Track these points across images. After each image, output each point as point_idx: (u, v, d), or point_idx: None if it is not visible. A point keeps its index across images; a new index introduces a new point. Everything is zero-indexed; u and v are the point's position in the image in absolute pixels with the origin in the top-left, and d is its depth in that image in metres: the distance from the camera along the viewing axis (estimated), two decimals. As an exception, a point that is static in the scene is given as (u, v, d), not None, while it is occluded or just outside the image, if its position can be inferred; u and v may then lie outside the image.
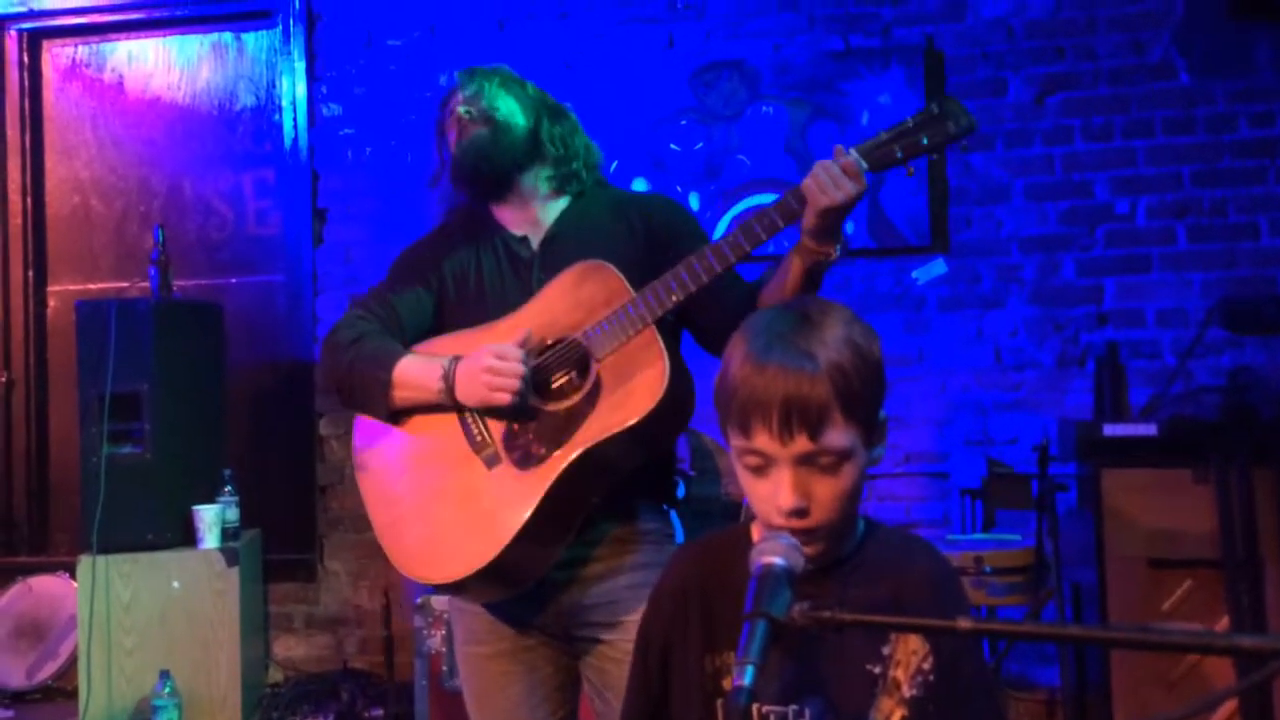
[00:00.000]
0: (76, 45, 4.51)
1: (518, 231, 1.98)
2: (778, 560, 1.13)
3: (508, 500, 1.78)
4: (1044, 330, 3.79)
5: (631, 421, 1.72)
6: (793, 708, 1.26)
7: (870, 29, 3.91)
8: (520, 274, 1.94)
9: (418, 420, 1.90)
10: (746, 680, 1.03)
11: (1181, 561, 2.69)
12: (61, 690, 3.95)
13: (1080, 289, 3.78)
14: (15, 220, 4.45)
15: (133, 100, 4.45)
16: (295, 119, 4.29)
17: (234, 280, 4.34)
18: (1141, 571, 2.71)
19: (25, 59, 4.48)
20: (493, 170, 1.94)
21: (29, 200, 4.45)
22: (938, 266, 3.84)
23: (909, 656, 1.25)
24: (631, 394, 1.74)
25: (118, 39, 4.48)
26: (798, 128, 3.93)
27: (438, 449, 1.87)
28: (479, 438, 1.84)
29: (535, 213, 1.99)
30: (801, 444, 1.19)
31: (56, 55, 4.53)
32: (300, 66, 4.28)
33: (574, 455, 1.75)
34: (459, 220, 2.06)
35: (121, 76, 4.47)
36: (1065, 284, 3.79)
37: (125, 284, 4.21)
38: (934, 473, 3.81)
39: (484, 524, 1.78)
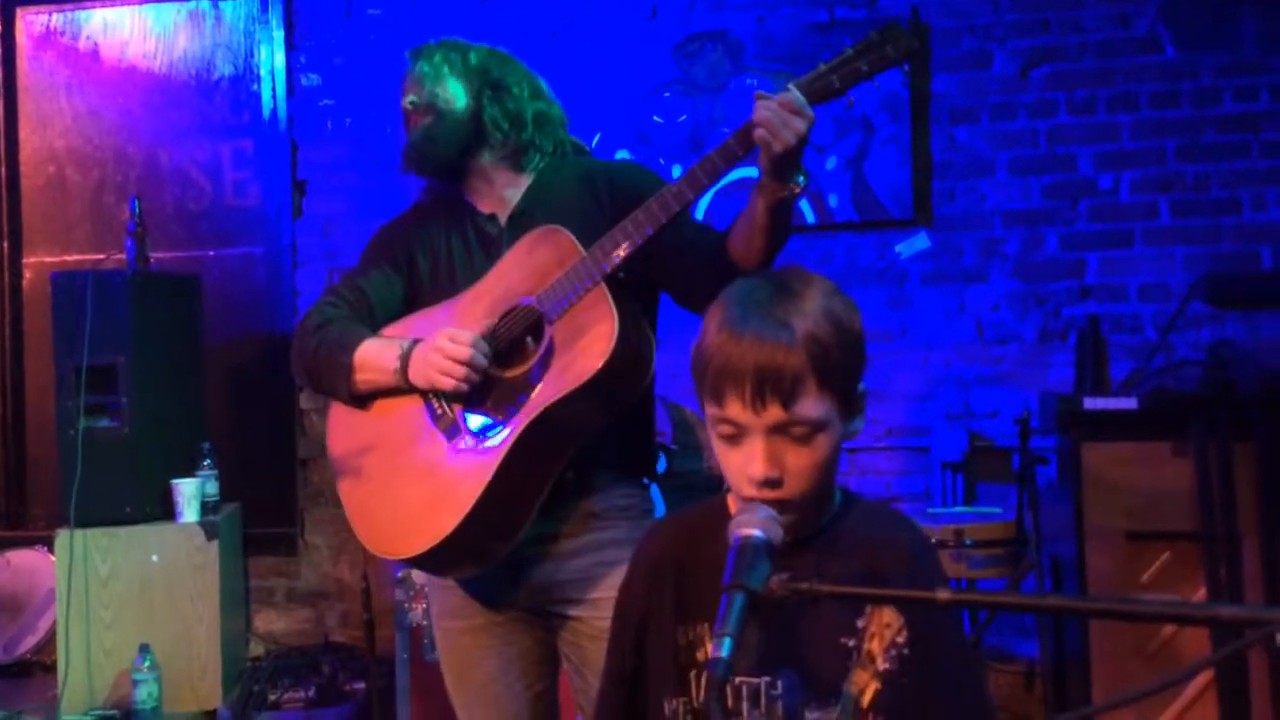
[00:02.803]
0: (50, 13, 4.43)
1: (486, 210, 1.97)
2: (756, 532, 1.13)
3: (466, 471, 1.78)
4: (1026, 304, 3.79)
5: (582, 381, 1.70)
6: (766, 679, 1.25)
7: (855, 0, 3.89)
8: (490, 252, 1.93)
9: (384, 401, 1.90)
10: (724, 652, 1.03)
11: (1160, 534, 2.70)
12: (40, 664, 3.92)
13: (1063, 263, 3.78)
14: (-11, 191, 4.39)
15: (108, 69, 4.38)
16: (274, 89, 4.24)
17: (212, 252, 4.29)
18: (1120, 544, 2.72)
19: (-2, 27, 4.41)
20: (440, 158, 1.94)
21: (3, 171, 4.38)
22: (920, 240, 3.84)
23: (883, 629, 1.25)
24: (582, 353, 1.73)
25: (92, 7, 4.40)
26: (781, 100, 3.90)
27: (402, 427, 1.87)
28: (440, 411, 1.84)
29: (501, 190, 1.97)
30: (774, 413, 1.18)
31: (30, 23, 4.45)
32: (279, 36, 4.23)
33: (529, 420, 1.74)
34: (431, 200, 2.05)
35: (97, 45, 4.40)
36: (1048, 258, 3.79)
37: (101, 256, 4.15)
38: (915, 447, 3.82)
39: (444, 496, 1.78)
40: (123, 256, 3.76)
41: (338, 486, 1.95)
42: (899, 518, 1.38)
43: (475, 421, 1.81)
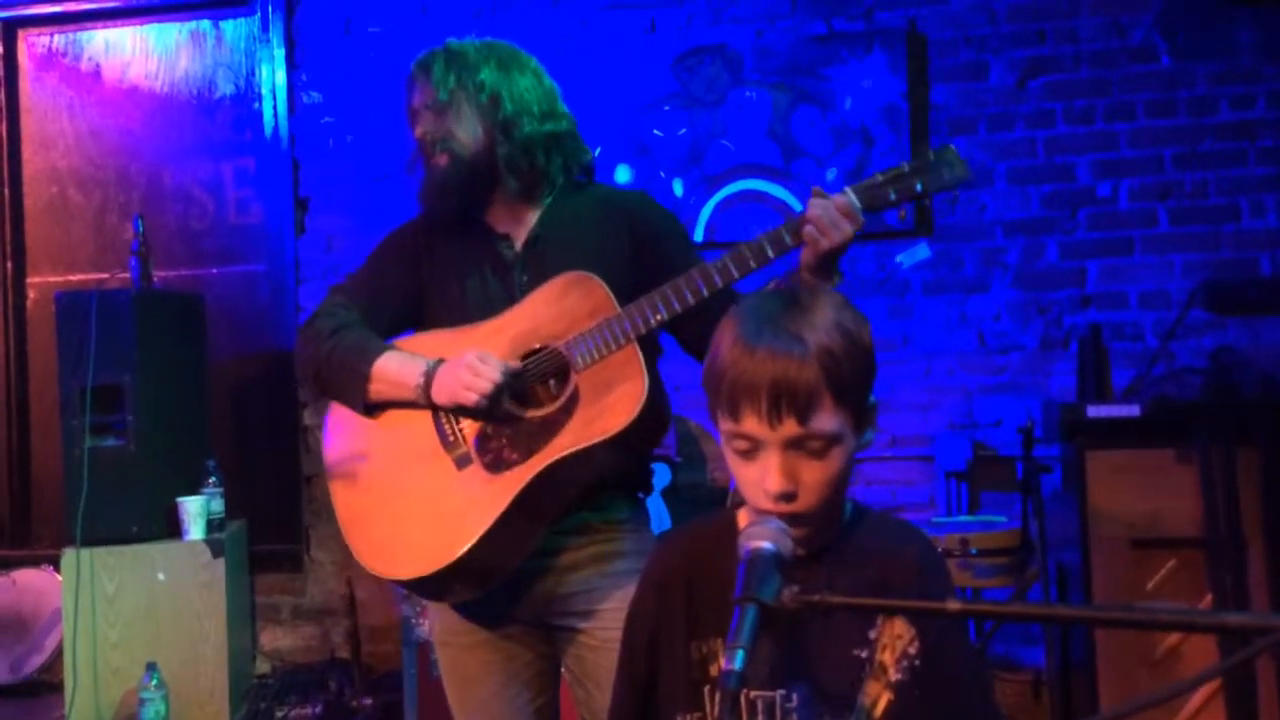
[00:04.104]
0: (53, 34, 4.46)
1: (501, 229, 1.96)
2: (766, 545, 1.13)
3: (475, 503, 1.78)
4: (1027, 313, 3.80)
5: (606, 436, 1.73)
6: (780, 693, 1.26)
7: (853, 13, 3.91)
8: (502, 275, 1.93)
9: (391, 415, 1.89)
10: (737, 664, 1.03)
11: (1165, 541, 2.70)
12: (47, 684, 3.93)
13: (1063, 272, 3.79)
14: (-8, 212, 4.41)
15: (110, 89, 4.41)
16: (275, 107, 4.26)
17: (215, 270, 4.31)
18: (1125, 552, 2.72)
19: (0, 48, 4.42)
20: (459, 200, 1.93)
21: (6, 191, 4.40)
22: (921, 251, 3.82)
23: (895, 641, 1.25)
24: (609, 408, 1.75)
25: (94, 27, 4.43)
26: (780, 112, 3.93)
27: (408, 445, 1.87)
28: (451, 437, 1.84)
29: (517, 213, 1.96)
30: (790, 428, 1.19)
31: (33, 44, 4.48)
32: (279, 54, 4.25)
33: (545, 464, 1.76)
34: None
35: (99, 65, 4.43)
36: (1048, 267, 3.80)
37: (105, 275, 4.17)
38: (919, 456, 3.83)
39: (449, 524, 1.78)
40: (126, 276, 3.78)
41: (331, 494, 1.94)
42: (909, 529, 1.39)
43: (488, 454, 1.81)
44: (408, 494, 1.85)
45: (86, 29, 4.44)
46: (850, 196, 1.73)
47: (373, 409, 1.90)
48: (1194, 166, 3.72)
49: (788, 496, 1.21)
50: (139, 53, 4.40)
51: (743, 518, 1.33)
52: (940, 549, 2.93)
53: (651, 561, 1.44)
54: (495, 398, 1.77)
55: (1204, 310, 3.27)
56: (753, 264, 1.75)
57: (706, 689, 1.30)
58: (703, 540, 1.39)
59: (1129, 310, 3.76)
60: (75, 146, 4.42)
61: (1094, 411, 2.75)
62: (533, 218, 1.95)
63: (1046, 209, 3.80)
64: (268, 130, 4.27)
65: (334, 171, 4.23)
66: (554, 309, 1.83)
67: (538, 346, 1.83)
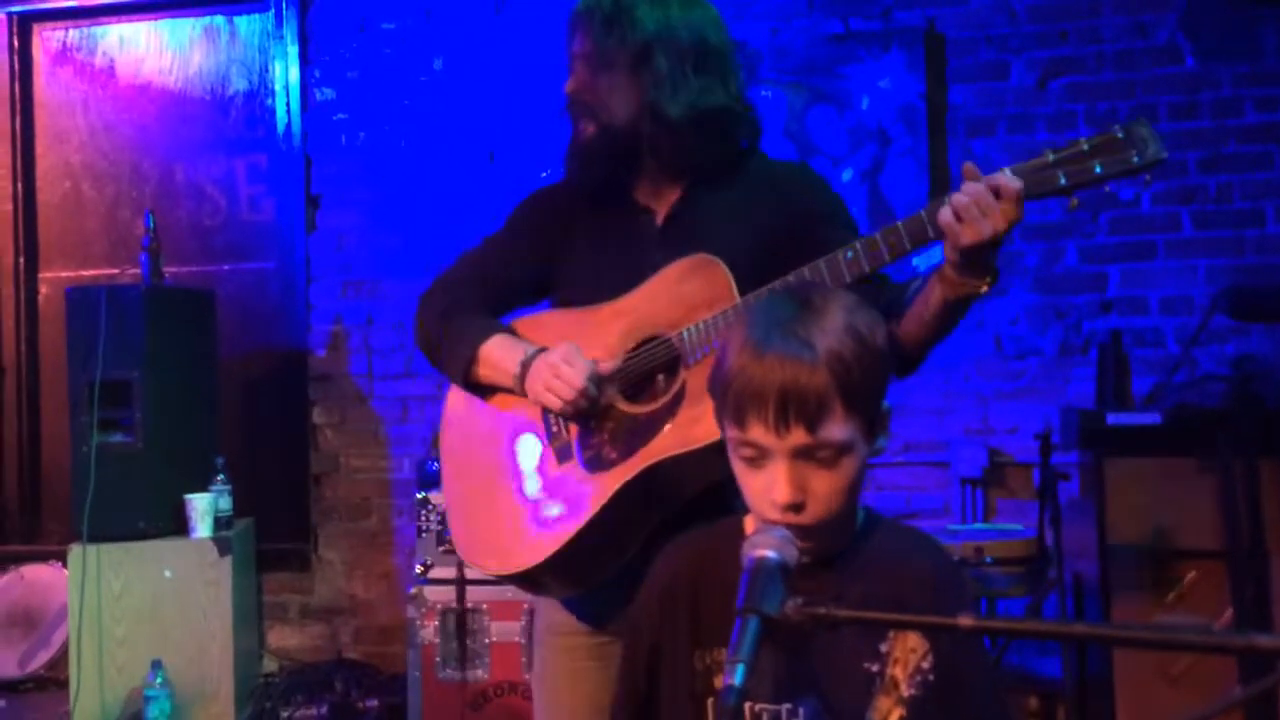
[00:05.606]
0: (67, 29, 4.45)
1: (642, 201, 1.85)
2: (770, 554, 1.09)
3: (569, 501, 1.70)
4: (1046, 318, 3.74)
5: (708, 441, 1.58)
6: (786, 706, 1.22)
7: (870, 12, 3.86)
8: (637, 252, 1.80)
9: (505, 398, 1.83)
10: (737, 679, 1.00)
11: (1185, 552, 2.65)
12: (54, 680, 3.91)
13: (1083, 276, 3.73)
14: (5, 206, 4.39)
15: (124, 85, 4.40)
16: (288, 104, 4.24)
17: (226, 267, 4.29)
18: (1144, 562, 2.67)
19: (15, 43, 4.41)
20: (603, 171, 1.83)
21: (19, 186, 4.40)
22: (938, 254, 3.79)
23: (908, 654, 1.21)
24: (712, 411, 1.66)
25: (109, 22, 4.43)
26: (796, 112, 3.88)
27: (514, 432, 1.81)
28: (555, 427, 1.76)
29: (662, 186, 1.83)
30: (799, 436, 1.15)
31: (47, 39, 4.48)
32: (293, 50, 4.23)
33: (642, 466, 1.65)
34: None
35: (112, 61, 4.42)
36: (1068, 271, 3.74)
37: (116, 271, 4.16)
38: (934, 462, 3.77)
39: (543, 521, 1.72)
40: (137, 271, 3.77)
41: (442, 475, 1.90)
42: (924, 540, 1.34)
43: (589, 449, 1.72)
44: (506, 484, 1.78)
45: (101, 24, 4.43)
46: (1008, 178, 1.46)
47: (482, 389, 1.84)
48: (1218, 170, 3.65)
49: (796, 507, 1.16)
50: (153, 48, 4.39)
51: (749, 523, 1.29)
52: (954, 557, 2.88)
53: (655, 569, 1.41)
54: (578, 403, 1.68)
55: (1227, 317, 3.21)
56: (887, 256, 1.56)
57: (710, 701, 1.27)
58: (709, 546, 1.35)
59: (1150, 316, 3.69)
60: (88, 142, 4.41)
61: (1114, 419, 2.70)
62: (677, 193, 1.83)
63: (1066, 212, 3.72)
64: (280, 127, 4.25)
65: (346, 169, 4.21)
66: (671, 294, 1.70)
67: (651, 336, 1.72)
